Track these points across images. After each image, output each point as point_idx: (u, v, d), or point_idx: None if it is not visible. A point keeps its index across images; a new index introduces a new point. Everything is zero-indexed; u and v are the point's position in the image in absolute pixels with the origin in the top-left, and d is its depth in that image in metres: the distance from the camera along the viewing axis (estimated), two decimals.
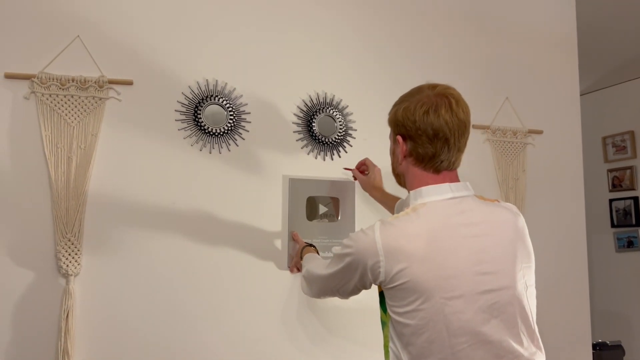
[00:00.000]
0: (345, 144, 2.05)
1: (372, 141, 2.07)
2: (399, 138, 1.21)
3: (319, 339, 1.93)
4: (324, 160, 2.02)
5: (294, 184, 1.94)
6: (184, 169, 1.82)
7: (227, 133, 1.88)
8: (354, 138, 2.07)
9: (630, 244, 4.01)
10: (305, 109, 2.00)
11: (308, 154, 2.00)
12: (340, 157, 2.04)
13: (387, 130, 1.28)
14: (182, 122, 1.83)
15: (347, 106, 2.06)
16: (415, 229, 1.12)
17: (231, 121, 1.88)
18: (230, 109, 1.88)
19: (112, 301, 1.70)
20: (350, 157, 2.04)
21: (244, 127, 1.91)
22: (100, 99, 1.73)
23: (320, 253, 1.73)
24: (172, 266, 1.78)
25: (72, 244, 1.65)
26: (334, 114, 2.03)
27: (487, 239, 1.15)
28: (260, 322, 1.87)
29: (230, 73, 1.90)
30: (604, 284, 4.11)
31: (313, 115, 2.00)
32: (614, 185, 4.12)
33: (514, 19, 2.44)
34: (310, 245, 1.79)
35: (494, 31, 2.39)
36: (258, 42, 1.96)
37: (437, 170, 1.19)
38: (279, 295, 1.90)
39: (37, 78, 1.66)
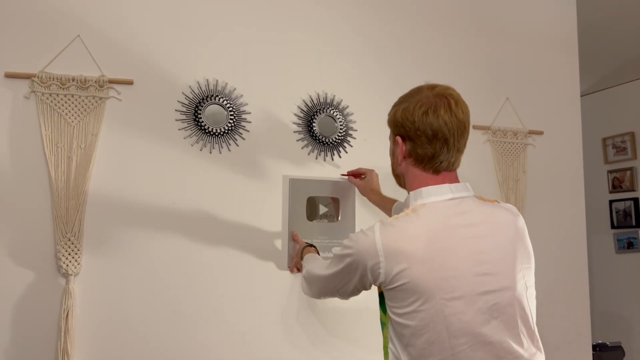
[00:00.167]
0: (345, 144, 2.05)
1: (372, 141, 2.07)
2: (399, 139, 1.21)
3: (318, 339, 1.93)
4: (325, 160, 2.02)
5: (294, 184, 1.94)
6: (184, 169, 1.82)
7: (228, 133, 1.88)
8: (355, 138, 2.07)
9: (630, 245, 4.01)
10: (305, 109, 2.00)
11: (308, 154, 1.99)
12: (340, 157, 2.04)
13: (387, 130, 1.28)
14: (183, 122, 1.83)
15: (348, 106, 2.06)
16: (415, 229, 1.12)
17: (231, 121, 1.88)
18: (230, 108, 1.88)
19: (112, 301, 1.70)
20: (350, 157, 2.04)
21: (244, 127, 1.91)
22: (101, 98, 1.73)
23: (320, 253, 1.73)
24: (172, 266, 1.78)
25: (72, 243, 1.65)
26: (335, 114, 2.03)
27: (487, 239, 1.15)
28: (260, 322, 1.86)
29: (231, 73, 1.90)
30: (604, 285, 4.11)
31: (313, 115, 2.00)
32: (614, 187, 4.12)
33: (514, 20, 2.44)
34: (311, 245, 1.78)
35: (495, 31, 2.38)
36: (258, 41, 1.96)
37: (436, 171, 1.19)
38: (279, 296, 1.90)
39: (38, 77, 1.66)
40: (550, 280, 2.18)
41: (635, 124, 4.00)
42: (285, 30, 2.00)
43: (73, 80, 1.70)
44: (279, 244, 1.92)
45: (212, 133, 1.85)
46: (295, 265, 1.86)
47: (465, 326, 1.09)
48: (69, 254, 1.64)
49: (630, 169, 4.02)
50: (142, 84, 1.79)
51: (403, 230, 1.13)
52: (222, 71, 1.89)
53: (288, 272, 1.91)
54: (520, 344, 1.13)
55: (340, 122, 2.04)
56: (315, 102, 2.02)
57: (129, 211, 1.74)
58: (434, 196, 1.17)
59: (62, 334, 1.61)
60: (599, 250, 4.14)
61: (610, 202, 4.12)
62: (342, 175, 1.99)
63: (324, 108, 2.02)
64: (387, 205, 1.79)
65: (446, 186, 1.18)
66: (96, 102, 1.72)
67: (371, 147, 2.05)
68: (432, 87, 1.20)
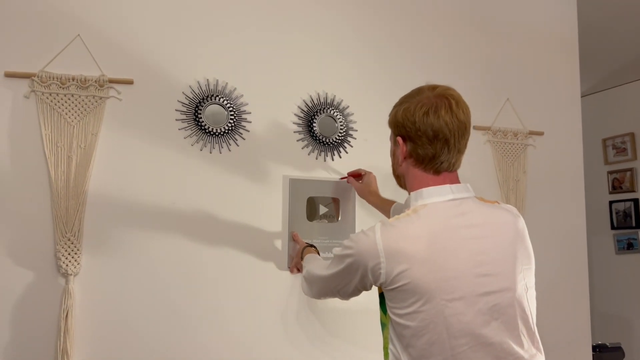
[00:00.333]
0: (345, 144, 2.05)
1: (372, 142, 2.07)
2: (399, 139, 1.21)
3: (318, 340, 1.93)
4: (325, 160, 2.01)
5: (295, 184, 1.94)
6: (184, 169, 1.82)
7: (228, 133, 1.88)
8: (355, 138, 2.06)
9: (630, 246, 4.01)
10: (305, 109, 2.00)
11: (309, 154, 1.99)
12: (340, 157, 2.03)
13: (388, 130, 1.28)
14: (183, 122, 1.83)
15: (348, 106, 2.06)
16: (416, 230, 1.12)
17: (232, 121, 1.88)
18: (230, 108, 1.88)
19: (111, 301, 1.70)
20: (350, 157, 2.04)
21: (245, 127, 1.91)
22: (101, 98, 1.73)
23: (320, 253, 1.73)
24: (171, 266, 1.77)
25: (72, 243, 1.65)
26: (335, 114, 2.03)
27: (487, 240, 1.15)
28: (260, 322, 1.86)
29: (231, 73, 1.90)
30: (603, 285, 4.11)
31: (314, 115, 2.00)
32: (614, 187, 4.12)
33: (514, 20, 2.43)
34: (311, 245, 1.78)
35: (495, 31, 2.38)
36: (259, 42, 1.96)
37: (437, 172, 1.19)
38: (279, 296, 1.90)
39: (38, 77, 1.66)
40: (550, 281, 2.18)
41: (636, 124, 4.00)
42: (285, 30, 2.00)
43: (73, 79, 1.69)
44: (279, 244, 1.92)
45: (212, 133, 1.85)
46: (296, 266, 1.85)
47: (465, 327, 1.09)
48: (69, 254, 1.64)
49: (631, 169, 4.02)
50: (142, 83, 1.79)
51: (404, 231, 1.13)
52: (222, 71, 1.89)
53: (288, 273, 1.91)
54: (521, 345, 1.13)
55: (340, 122, 2.04)
56: (315, 102, 2.01)
57: (128, 211, 1.74)
58: (435, 197, 1.17)
59: (62, 334, 1.61)
60: (599, 251, 4.14)
61: (610, 202, 4.12)
62: (341, 178, 1.99)
63: (324, 108, 2.02)
64: (385, 207, 1.79)
65: (447, 187, 1.18)
66: (96, 101, 1.72)
67: (371, 148, 2.05)
68: (432, 88, 1.20)
